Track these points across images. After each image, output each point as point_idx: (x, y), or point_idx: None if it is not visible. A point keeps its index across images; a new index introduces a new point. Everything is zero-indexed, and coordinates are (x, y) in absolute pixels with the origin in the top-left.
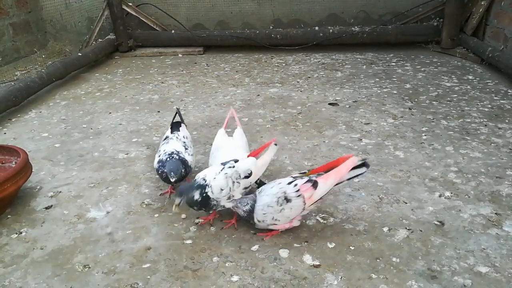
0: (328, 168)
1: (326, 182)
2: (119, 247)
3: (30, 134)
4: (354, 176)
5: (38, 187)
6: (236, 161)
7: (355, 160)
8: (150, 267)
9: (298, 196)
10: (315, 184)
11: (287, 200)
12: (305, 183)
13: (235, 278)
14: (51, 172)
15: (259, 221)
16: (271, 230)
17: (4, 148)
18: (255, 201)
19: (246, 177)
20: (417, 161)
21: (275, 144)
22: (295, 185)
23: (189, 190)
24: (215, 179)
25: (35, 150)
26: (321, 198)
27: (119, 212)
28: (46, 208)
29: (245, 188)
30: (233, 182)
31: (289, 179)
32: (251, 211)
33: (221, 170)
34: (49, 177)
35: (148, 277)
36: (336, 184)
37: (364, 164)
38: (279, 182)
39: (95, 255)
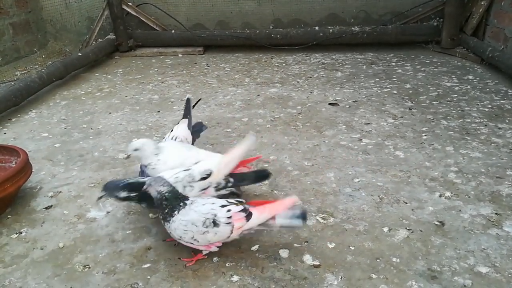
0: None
1: (259, 216)
2: (119, 247)
3: (30, 134)
4: (287, 227)
5: (38, 187)
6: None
7: (294, 200)
8: (150, 267)
9: (228, 223)
10: (248, 216)
11: (215, 224)
12: (239, 211)
13: (235, 278)
14: (51, 172)
15: (180, 236)
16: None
17: (4, 148)
18: (169, 186)
19: (204, 178)
20: (417, 161)
21: (253, 136)
22: (229, 210)
23: (115, 188)
24: None
25: (35, 150)
26: (248, 230)
27: (119, 212)
28: (46, 208)
29: (203, 189)
30: (184, 186)
31: (223, 201)
32: (162, 195)
33: (176, 173)
34: (49, 177)
35: (148, 277)
36: (267, 225)
37: (303, 217)
38: (213, 202)
39: (95, 255)
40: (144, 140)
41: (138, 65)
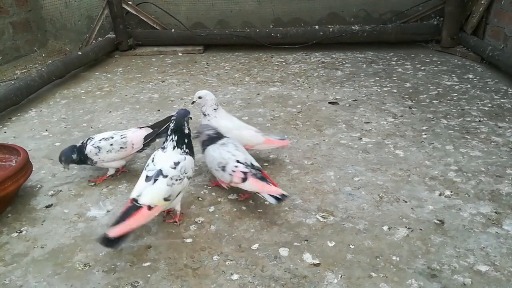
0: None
1: (251, 185)
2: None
3: (30, 133)
4: (263, 197)
5: (38, 186)
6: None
7: (281, 192)
8: (151, 265)
9: (230, 174)
10: (244, 180)
11: (223, 169)
12: (241, 171)
13: (235, 276)
14: (51, 171)
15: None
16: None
17: (4, 147)
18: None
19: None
20: (417, 160)
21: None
22: (236, 166)
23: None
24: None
25: (35, 149)
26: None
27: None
28: (47, 207)
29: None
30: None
31: (241, 157)
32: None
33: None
34: (50, 176)
35: (148, 275)
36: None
37: (279, 200)
38: (234, 154)
39: (95, 253)
40: (208, 91)
41: (138, 64)
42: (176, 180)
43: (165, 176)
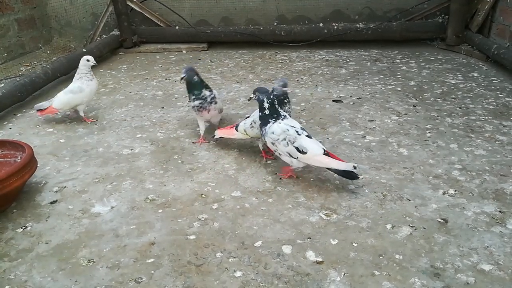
0: None
1: None
2: (123, 242)
3: (35, 129)
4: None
5: (43, 182)
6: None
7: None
8: (154, 262)
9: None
10: None
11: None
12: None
13: (238, 273)
14: (56, 167)
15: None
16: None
17: (9, 143)
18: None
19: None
20: (421, 159)
21: None
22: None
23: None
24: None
25: (40, 145)
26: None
27: (123, 207)
28: (51, 203)
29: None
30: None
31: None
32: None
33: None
34: (54, 172)
35: (152, 272)
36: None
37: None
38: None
39: (99, 249)
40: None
41: (142, 61)
42: None
43: None
